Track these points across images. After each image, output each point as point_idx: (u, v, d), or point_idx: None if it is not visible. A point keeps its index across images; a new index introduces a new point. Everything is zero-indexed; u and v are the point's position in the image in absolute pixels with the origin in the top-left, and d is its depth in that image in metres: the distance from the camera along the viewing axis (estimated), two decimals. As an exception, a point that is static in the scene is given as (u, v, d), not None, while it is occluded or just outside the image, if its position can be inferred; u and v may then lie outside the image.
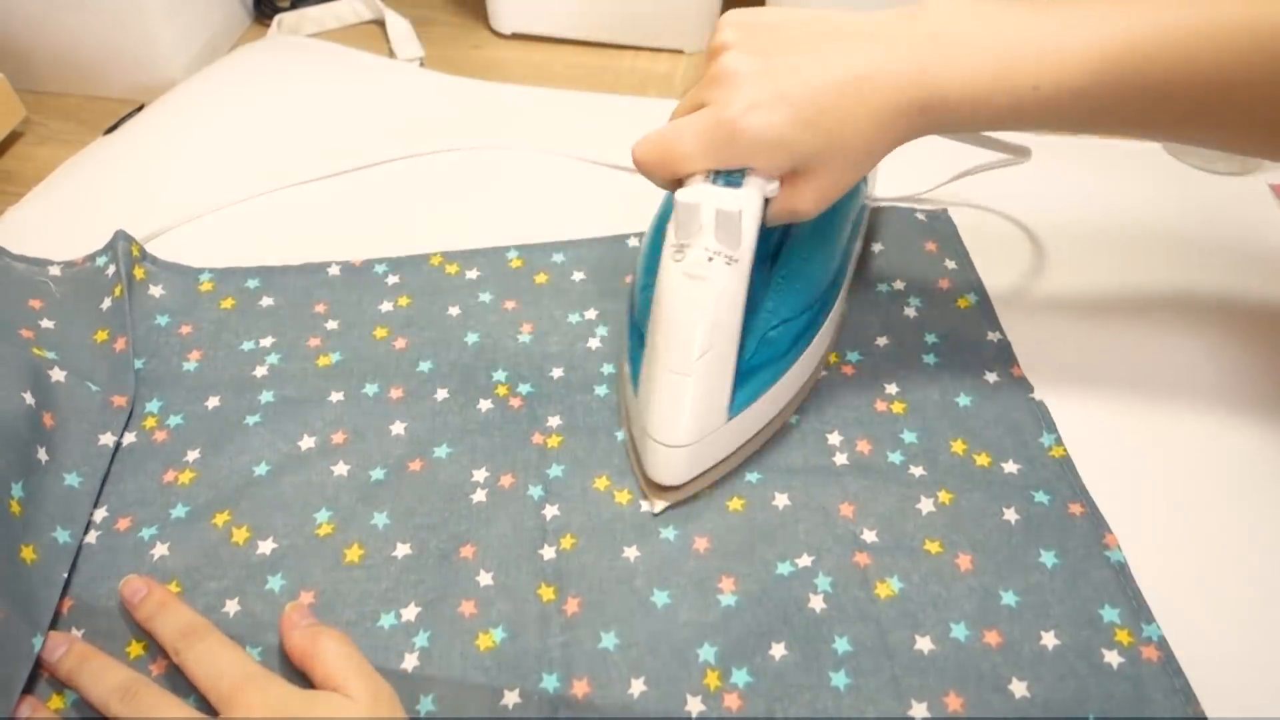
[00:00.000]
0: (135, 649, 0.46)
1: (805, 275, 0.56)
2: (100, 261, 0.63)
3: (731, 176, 0.47)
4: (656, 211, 0.61)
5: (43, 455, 0.51)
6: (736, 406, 0.51)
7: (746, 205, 0.47)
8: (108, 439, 0.54)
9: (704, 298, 0.48)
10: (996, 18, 0.46)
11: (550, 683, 0.45)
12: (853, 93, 0.45)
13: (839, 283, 0.58)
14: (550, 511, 0.52)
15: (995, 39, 0.45)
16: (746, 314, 0.50)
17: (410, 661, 0.46)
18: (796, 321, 0.54)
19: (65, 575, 0.48)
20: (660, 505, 0.52)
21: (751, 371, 0.52)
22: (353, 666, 0.43)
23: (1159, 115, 0.47)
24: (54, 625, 0.47)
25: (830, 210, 0.51)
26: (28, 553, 0.47)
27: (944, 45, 0.45)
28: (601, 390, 0.58)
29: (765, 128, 0.45)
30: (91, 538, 0.51)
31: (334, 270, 0.65)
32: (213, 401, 0.57)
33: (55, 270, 0.62)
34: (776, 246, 0.56)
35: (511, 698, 0.45)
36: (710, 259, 0.48)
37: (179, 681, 0.44)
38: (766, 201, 0.48)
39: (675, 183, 0.49)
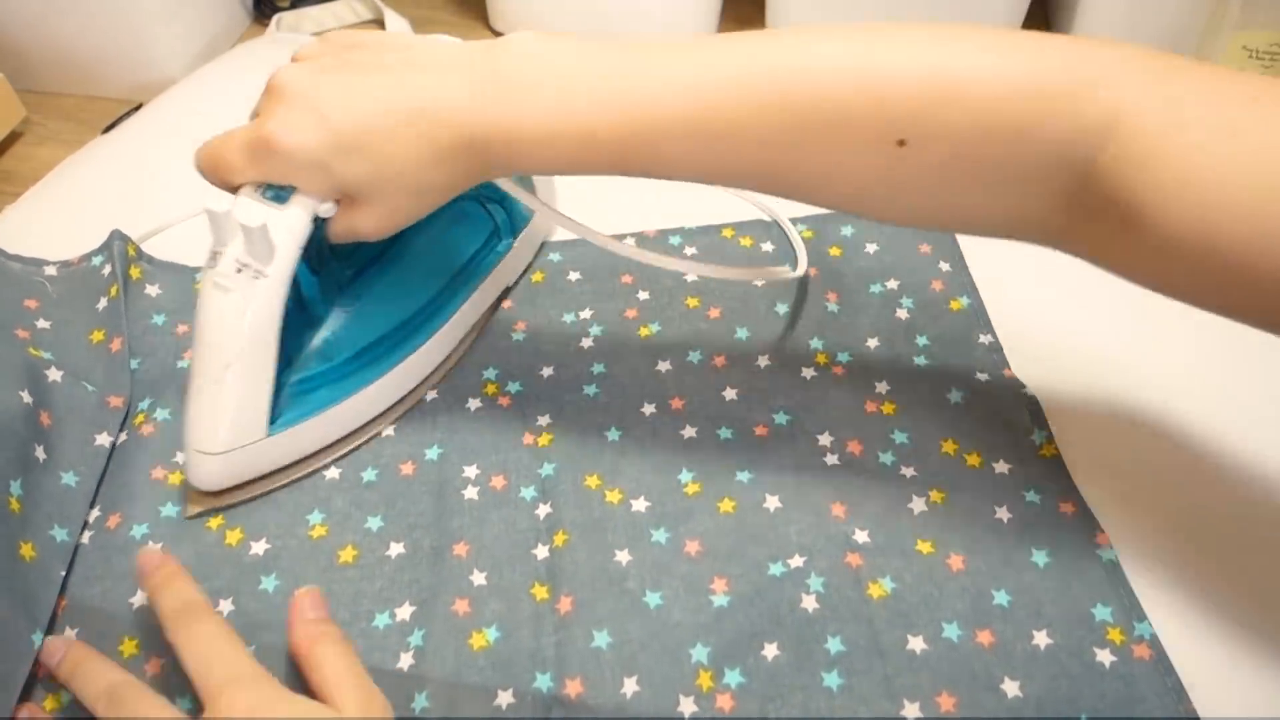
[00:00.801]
0: (129, 647, 0.47)
1: (385, 301, 0.56)
2: (96, 261, 0.63)
3: (281, 191, 0.47)
4: None
5: (40, 454, 0.51)
6: (281, 422, 0.51)
7: (277, 220, 0.46)
8: (104, 439, 0.54)
9: (229, 309, 0.48)
10: (567, 58, 0.44)
11: (544, 682, 0.45)
12: (403, 125, 0.44)
13: (436, 313, 0.57)
14: (543, 510, 0.52)
15: (554, 80, 0.43)
16: (305, 331, 0.51)
17: (405, 661, 0.46)
18: (371, 345, 0.55)
19: (63, 573, 0.48)
20: (193, 510, 0.52)
21: (308, 389, 0.52)
22: (348, 677, 0.42)
23: (725, 169, 0.45)
24: (49, 624, 0.47)
25: (421, 236, 0.52)
26: (27, 550, 0.47)
27: (509, 83, 0.43)
28: (591, 390, 0.58)
29: (299, 148, 0.44)
30: (84, 538, 0.51)
31: (331, 270, 0.65)
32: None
33: (51, 270, 0.63)
34: (368, 264, 0.57)
35: (505, 697, 0.45)
36: (239, 270, 0.47)
37: (174, 682, 0.45)
38: (322, 221, 0.48)
39: (232, 190, 0.48)
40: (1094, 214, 0.40)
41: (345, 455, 0.55)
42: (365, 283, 0.56)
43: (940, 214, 0.44)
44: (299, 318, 0.51)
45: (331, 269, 0.54)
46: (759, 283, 0.64)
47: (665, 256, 0.56)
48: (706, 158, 0.44)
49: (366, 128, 0.44)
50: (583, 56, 0.44)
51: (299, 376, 0.52)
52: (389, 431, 0.56)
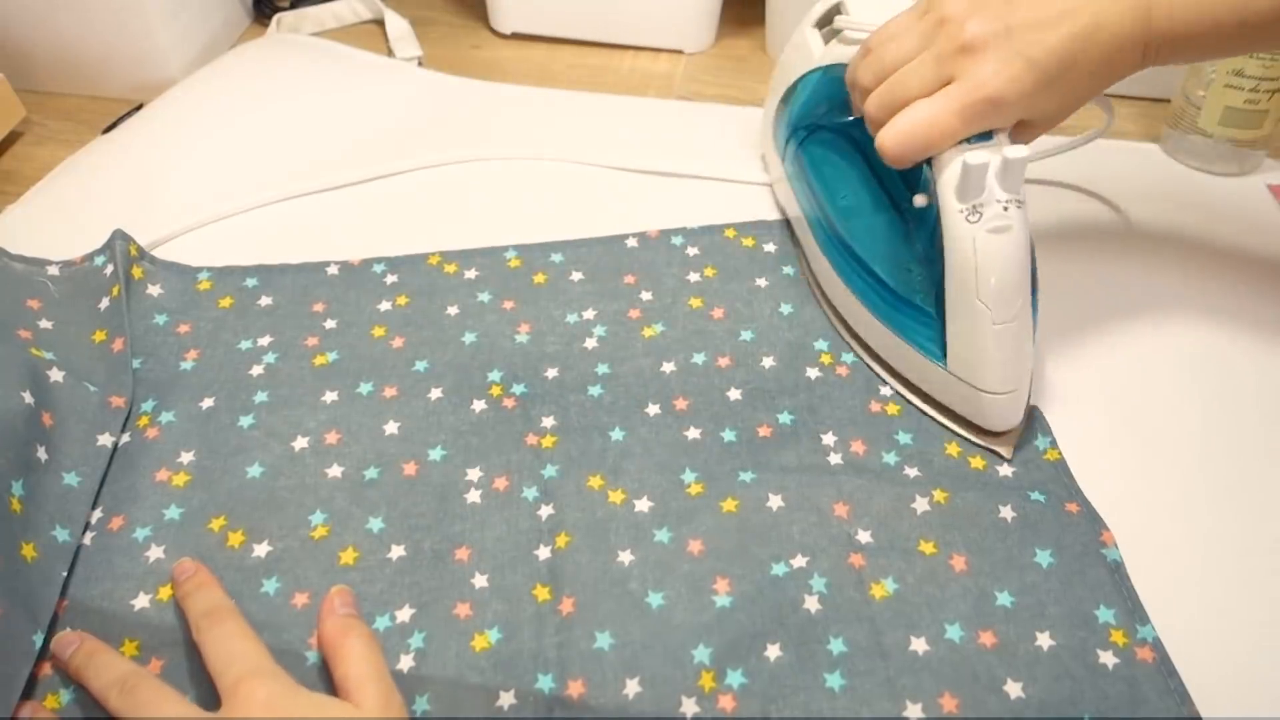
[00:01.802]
0: (129, 648, 0.46)
1: None
2: (98, 261, 0.63)
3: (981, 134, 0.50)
4: (798, 200, 0.66)
5: (42, 454, 0.51)
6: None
7: (1022, 150, 0.49)
8: (106, 439, 0.54)
9: (1016, 247, 0.50)
10: None
11: (545, 683, 0.45)
12: (1085, 46, 0.48)
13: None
14: (545, 511, 0.52)
15: None
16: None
17: (406, 662, 0.46)
18: None
19: (65, 574, 0.48)
20: (1010, 449, 0.54)
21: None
22: (372, 673, 0.43)
23: None
24: (50, 625, 0.47)
25: None
26: (28, 550, 0.47)
27: None
28: (595, 390, 0.58)
29: (1020, 95, 0.48)
30: (86, 539, 0.51)
31: (332, 269, 0.65)
32: (207, 402, 0.57)
33: (53, 270, 0.62)
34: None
35: (507, 698, 0.45)
36: (1005, 208, 0.50)
37: (174, 683, 0.44)
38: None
39: (925, 161, 0.52)
40: None
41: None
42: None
43: None
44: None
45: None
46: (762, 282, 0.64)
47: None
48: None
49: (1061, 59, 0.48)
50: None
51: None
52: (391, 431, 0.56)
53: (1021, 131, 0.52)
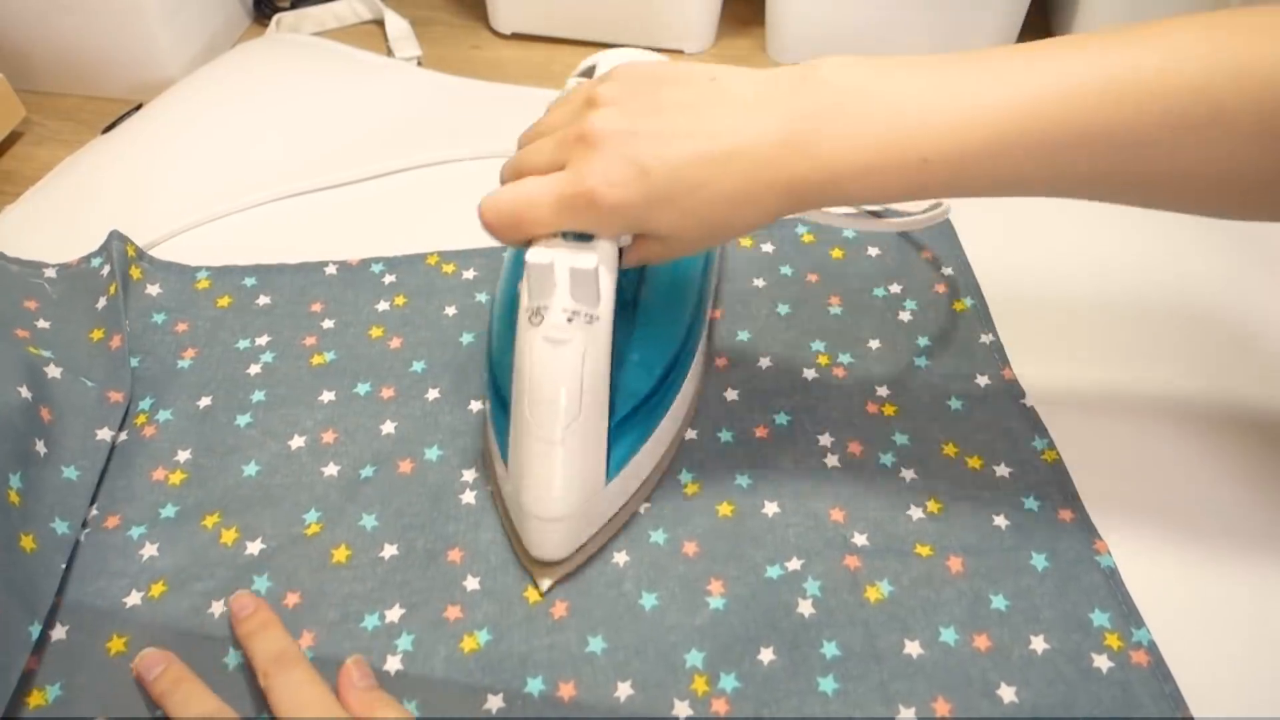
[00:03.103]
0: (116, 644, 0.47)
1: (668, 318, 0.54)
2: (95, 263, 0.63)
3: (581, 234, 0.46)
4: (503, 271, 0.59)
5: (40, 448, 0.51)
6: (613, 468, 0.49)
7: (602, 261, 0.45)
8: (105, 434, 0.54)
9: (568, 361, 0.46)
10: (886, 83, 0.42)
11: (535, 686, 0.45)
12: (717, 169, 0.43)
13: (701, 318, 0.56)
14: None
15: (881, 109, 0.42)
16: (612, 369, 0.48)
17: (393, 664, 0.46)
18: (664, 368, 0.52)
19: (64, 566, 0.48)
20: (546, 582, 0.49)
21: (624, 428, 0.50)
22: None
23: (1065, 180, 0.43)
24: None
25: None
26: (27, 542, 0.47)
27: (830, 118, 0.42)
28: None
29: (621, 203, 0.43)
30: (81, 536, 0.51)
31: (331, 269, 0.65)
32: (204, 401, 0.57)
33: (50, 273, 0.63)
34: (634, 291, 0.55)
35: (495, 701, 0.45)
36: (570, 319, 0.45)
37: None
38: (620, 251, 0.47)
39: (526, 242, 0.47)
40: None
41: (653, 490, 0.53)
42: (642, 307, 0.54)
43: None
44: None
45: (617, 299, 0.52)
46: (759, 283, 0.64)
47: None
48: (1053, 169, 0.42)
49: (681, 177, 0.43)
50: (910, 78, 0.42)
51: (618, 418, 0.50)
52: (388, 430, 0.56)
53: (646, 247, 0.47)
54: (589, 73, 0.57)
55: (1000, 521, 0.51)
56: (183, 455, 0.54)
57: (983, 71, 0.41)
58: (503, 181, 0.49)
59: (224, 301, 0.63)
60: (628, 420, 0.50)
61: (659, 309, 0.55)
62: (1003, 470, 0.53)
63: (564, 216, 0.45)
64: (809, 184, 0.43)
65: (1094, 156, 0.41)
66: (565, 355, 0.45)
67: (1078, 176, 0.42)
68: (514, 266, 0.58)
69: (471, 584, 0.49)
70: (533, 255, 0.45)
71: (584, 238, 0.45)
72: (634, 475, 0.51)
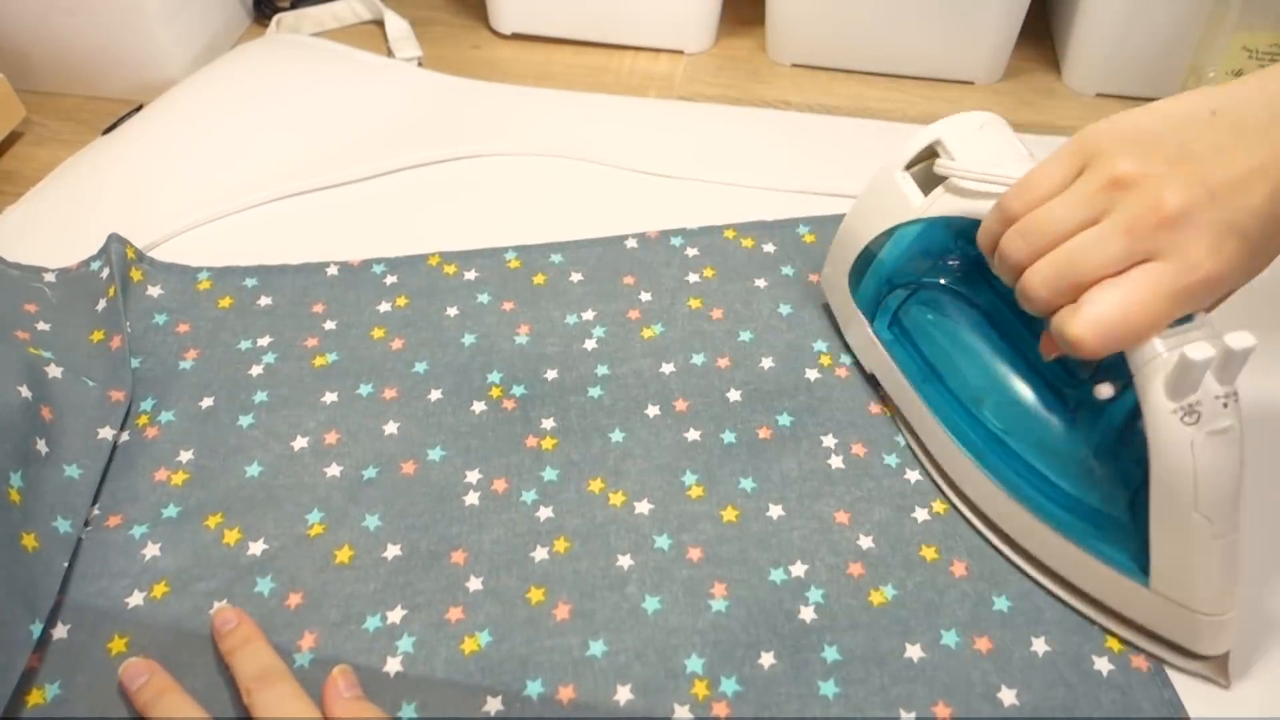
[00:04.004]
0: (117, 644, 0.47)
1: None
2: (94, 266, 0.63)
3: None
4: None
5: (42, 447, 0.51)
6: None
7: (1244, 337, 0.42)
8: (106, 433, 0.54)
9: (1235, 448, 0.43)
10: None
11: (534, 689, 0.45)
12: (1258, 207, 0.40)
13: None
14: (543, 514, 0.52)
15: None
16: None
17: (393, 665, 0.46)
18: None
19: (65, 564, 0.49)
20: (1227, 678, 0.46)
21: None
22: None
23: None
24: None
25: None
26: (29, 540, 0.47)
27: None
28: (595, 392, 0.58)
29: (1233, 273, 0.41)
30: (82, 534, 0.51)
31: (332, 270, 0.65)
32: (207, 401, 0.57)
33: (50, 277, 0.63)
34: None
35: (494, 704, 0.45)
36: (1225, 404, 0.43)
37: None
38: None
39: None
40: None
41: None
42: None
43: None
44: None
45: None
46: (760, 283, 0.64)
47: None
48: None
49: (1266, 224, 0.41)
50: None
51: None
52: (391, 430, 0.56)
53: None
54: (927, 153, 0.55)
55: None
56: (185, 456, 0.54)
57: None
58: (1010, 275, 0.46)
59: (225, 302, 0.63)
60: None
61: None
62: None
63: (1183, 307, 0.42)
64: None
65: None
66: (1234, 442, 0.43)
67: None
68: (931, 355, 0.56)
69: (474, 585, 0.49)
70: (1193, 351, 0.41)
71: (1185, 320, 0.43)
72: None
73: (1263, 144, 0.41)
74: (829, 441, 0.55)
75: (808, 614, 0.48)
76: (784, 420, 0.56)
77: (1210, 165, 0.41)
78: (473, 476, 0.54)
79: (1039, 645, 0.47)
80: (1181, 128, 0.42)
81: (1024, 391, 0.52)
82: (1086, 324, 0.42)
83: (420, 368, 0.59)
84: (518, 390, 0.58)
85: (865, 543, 0.51)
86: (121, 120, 0.79)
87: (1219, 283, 0.41)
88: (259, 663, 0.45)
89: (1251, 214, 0.40)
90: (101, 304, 0.60)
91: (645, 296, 0.63)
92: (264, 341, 0.61)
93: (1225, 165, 0.41)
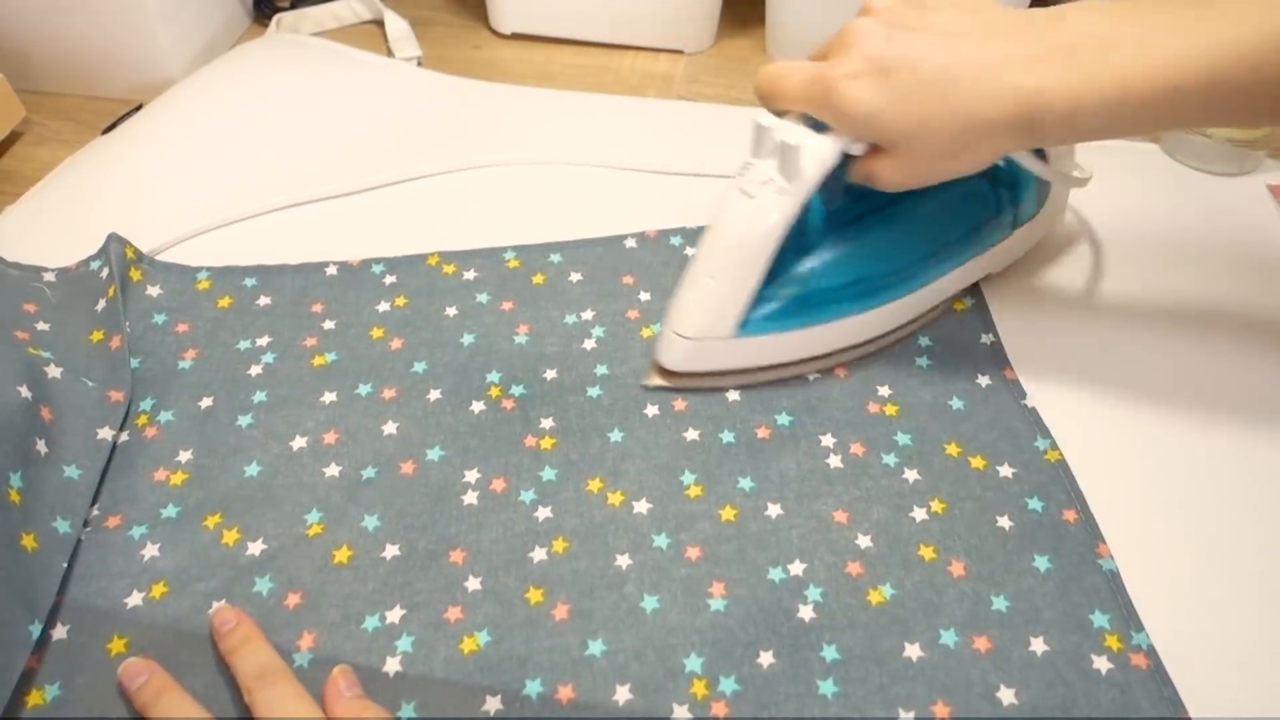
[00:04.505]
0: (116, 645, 0.47)
1: (882, 247, 0.58)
2: (94, 266, 0.63)
3: (820, 123, 0.51)
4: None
5: (41, 447, 0.51)
6: (749, 327, 0.55)
7: (813, 147, 0.50)
8: (106, 433, 0.54)
9: (745, 213, 0.52)
10: (1133, 20, 0.45)
11: (533, 688, 0.45)
12: (955, 90, 0.46)
13: (912, 276, 0.59)
14: (542, 513, 0.52)
15: (1131, 42, 0.44)
16: (796, 254, 0.55)
17: (392, 665, 0.46)
18: (852, 283, 0.57)
19: (65, 565, 0.49)
20: (654, 380, 0.57)
21: (783, 307, 0.55)
22: None
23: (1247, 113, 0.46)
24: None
25: (925, 200, 0.55)
26: (28, 541, 0.47)
27: (1075, 50, 0.45)
28: (595, 392, 0.58)
29: (855, 101, 0.47)
30: (81, 535, 0.51)
31: (331, 270, 0.65)
32: (206, 401, 0.57)
33: (50, 277, 0.63)
34: (869, 212, 0.58)
35: (493, 703, 0.45)
36: (764, 182, 0.51)
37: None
38: (849, 158, 0.51)
39: (779, 114, 0.52)
40: None
41: (786, 379, 0.58)
42: (863, 228, 0.58)
43: None
44: (796, 241, 0.54)
45: (839, 206, 0.57)
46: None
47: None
48: (1266, 100, 0.44)
49: (924, 85, 0.46)
50: (1155, 15, 0.44)
51: (777, 292, 0.55)
52: (390, 431, 0.56)
53: (874, 161, 0.51)
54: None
55: (1004, 523, 0.51)
56: (184, 456, 0.54)
57: (1228, 5, 0.44)
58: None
59: (224, 302, 0.63)
60: (792, 303, 0.56)
61: (880, 235, 0.58)
62: (1006, 470, 0.53)
63: (804, 100, 0.50)
64: (1050, 116, 0.45)
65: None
66: (746, 208, 0.52)
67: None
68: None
69: (473, 584, 0.49)
70: (762, 117, 0.51)
71: (822, 128, 0.50)
72: (769, 348, 0.57)
73: (975, 40, 0.47)
74: (827, 441, 0.55)
75: (806, 613, 0.48)
76: (783, 420, 0.56)
77: (915, 29, 0.48)
78: (471, 476, 0.54)
79: (1038, 645, 0.46)
80: (942, 3, 0.49)
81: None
82: (760, 71, 0.52)
83: (419, 367, 0.59)
84: (517, 390, 0.58)
85: (864, 542, 0.51)
86: (121, 120, 0.79)
87: (841, 96, 0.48)
88: (259, 661, 0.45)
89: (909, 68, 0.46)
90: (101, 304, 0.60)
91: (645, 296, 0.63)
92: (263, 341, 0.61)
93: (923, 32, 0.47)
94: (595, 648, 0.47)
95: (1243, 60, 0.43)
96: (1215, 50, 0.43)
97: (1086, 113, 0.45)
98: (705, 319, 0.55)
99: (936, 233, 0.59)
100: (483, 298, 0.63)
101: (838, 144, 0.50)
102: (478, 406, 0.57)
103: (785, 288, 0.56)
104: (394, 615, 0.48)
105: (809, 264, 0.56)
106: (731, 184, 0.53)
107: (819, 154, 0.50)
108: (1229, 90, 0.43)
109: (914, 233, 0.59)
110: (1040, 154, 0.59)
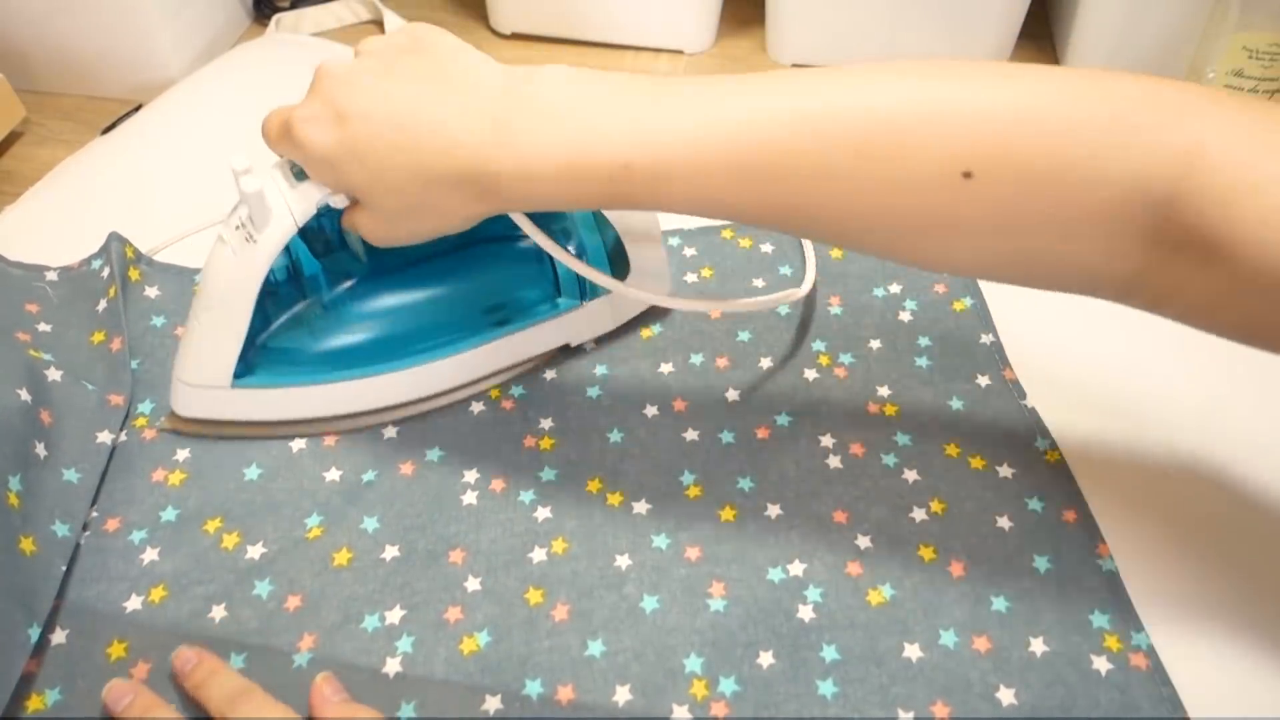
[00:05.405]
0: (117, 649, 0.47)
1: (392, 310, 0.56)
2: (94, 265, 0.63)
3: (302, 172, 0.48)
4: None
5: (41, 450, 0.51)
6: (248, 379, 0.53)
7: (279, 196, 0.48)
8: (105, 437, 0.54)
9: (219, 261, 0.50)
10: (596, 89, 0.42)
11: (533, 688, 0.45)
12: (412, 143, 0.43)
13: (441, 341, 0.56)
14: (541, 514, 0.52)
15: (587, 111, 0.42)
16: (293, 305, 0.54)
17: (392, 665, 0.46)
18: (359, 344, 0.55)
19: (64, 568, 0.48)
20: (165, 425, 0.55)
21: (283, 360, 0.54)
22: None
23: (766, 208, 0.42)
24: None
25: (463, 264, 0.56)
26: (27, 544, 0.47)
27: (529, 114, 0.42)
28: (594, 392, 0.58)
29: (310, 143, 0.45)
30: (82, 539, 0.51)
31: (329, 271, 0.65)
32: (205, 403, 0.57)
33: (51, 275, 0.63)
34: (403, 268, 0.56)
35: (493, 703, 0.45)
36: (237, 228, 0.50)
37: (159, 687, 0.45)
38: (334, 210, 0.48)
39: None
40: (1173, 250, 0.38)
41: (312, 435, 0.56)
42: (391, 285, 0.56)
43: (1004, 259, 0.41)
44: (289, 290, 0.54)
45: (340, 258, 0.55)
46: (759, 283, 0.64)
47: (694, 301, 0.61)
48: (747, 194, 0.42)
49: (376, 135, 0.43)
50: (617, 90, 0.42)
51: (275, 344, 0.54)
52: (390, 434, 0.56)
53: (356, 213, 0.48)
54: None
55: (1004, 523, 0.51)
56: (182, 456, 0.54)
57: (703, 91, 0.42)
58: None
59: (224, 303, 0.63)
60: (290, 355, 0.54)
61: (400, 302, 0.57)
62: (1006, 471, 0.53)
63: (277, 140, 0.47)
64: (503, 177, 0.43)
65: (788, 185, 0.41)
66: (220, 255, 0.50)
67: (776, 205, 0.42)
68: None
69: (472, 584, 0.49)
70: (234, 160, 0.48)
71: (302, 176, 0.48)
72: (280, 402, 0.55)
73: (438, 95, 0.43)
74: (827, 441, 0.55)
75: (806, 613, 0.48)
76: (782, 420, 0.56)
77: (385, 75, 0.44)
78: (471, 476, 0.54)
79: (1037, 645, 0.46)
80: (426, 51, 0.45)
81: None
82: (267, 122, 0.48)
83: (419, 368, 0.59)
84: (516, 390, 0.58)
85: (863, 542, 0.51)
86: (121, 120, 0.79)
87: (297, 136, 0.45)
88: (228, 688, 0.44)
89: (363, 117, 0.43)
90: (102, 304, 0.60)
91: (644, 297, 0.63)
92: (262, 342, 0.61)
93: (391, 80, 0.44)
94: (595, 648, 0.47)
95: (688, 147, 0.41)
96: (664, 136, 0.41)
97: (538, 177, 0.42)
98: (200, 366, 0.53)
99: (472, 296, 0.58)
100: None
101: (312, 195, 0.48)
102: (477, 407, 0.57)
103: (285, 339, 0.54)
104: (394, 616, 0.48)
105: (314, 317, 0.55)
106: (218, 227, 0.51)
107: (289, 203, 0.48)
108: (681, 176, 0.41)
109: (444, 296, 0.57)
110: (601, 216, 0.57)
